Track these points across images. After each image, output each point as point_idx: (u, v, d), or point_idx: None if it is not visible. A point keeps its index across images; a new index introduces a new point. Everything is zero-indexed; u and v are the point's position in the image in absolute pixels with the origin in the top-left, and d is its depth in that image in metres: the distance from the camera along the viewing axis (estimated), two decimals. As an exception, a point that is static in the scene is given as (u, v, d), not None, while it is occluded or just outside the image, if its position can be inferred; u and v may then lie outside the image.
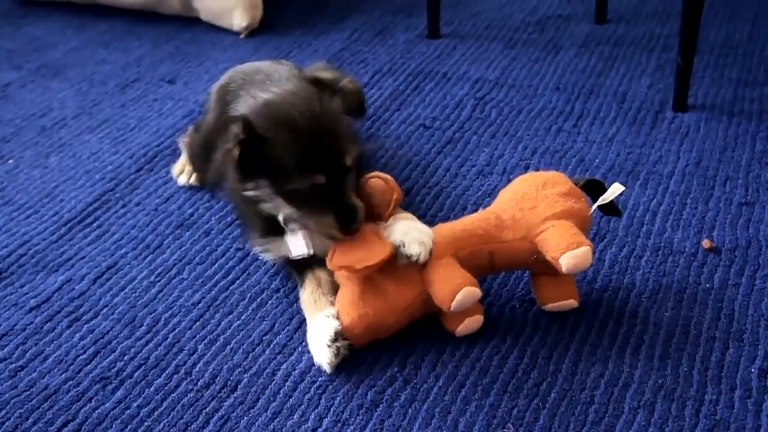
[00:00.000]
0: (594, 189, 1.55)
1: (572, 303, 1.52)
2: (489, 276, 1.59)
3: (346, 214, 1.45)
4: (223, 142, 1.42)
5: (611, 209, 1.56)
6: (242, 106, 1.51)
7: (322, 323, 1.45)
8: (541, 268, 1.49)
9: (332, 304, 1.49)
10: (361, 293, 1.45)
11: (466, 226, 1.52)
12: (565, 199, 1.50)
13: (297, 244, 1.53)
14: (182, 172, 1.96)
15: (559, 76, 2.35)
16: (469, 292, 1.40)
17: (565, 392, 1.38)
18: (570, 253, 1.40)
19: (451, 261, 1.45)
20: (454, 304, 1.40)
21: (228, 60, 2.44)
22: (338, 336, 1.43)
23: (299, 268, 1.56)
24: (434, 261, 1.45)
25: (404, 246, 1.44)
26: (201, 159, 1.65)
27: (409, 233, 1.46)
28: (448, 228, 1.52)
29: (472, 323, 1.48)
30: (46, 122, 2.23)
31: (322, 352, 1.43)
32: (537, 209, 1.49)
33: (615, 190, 1.51)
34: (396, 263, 1.45)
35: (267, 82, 1.61)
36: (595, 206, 1.53)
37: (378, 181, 1.58)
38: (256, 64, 1.84)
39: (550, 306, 1.52)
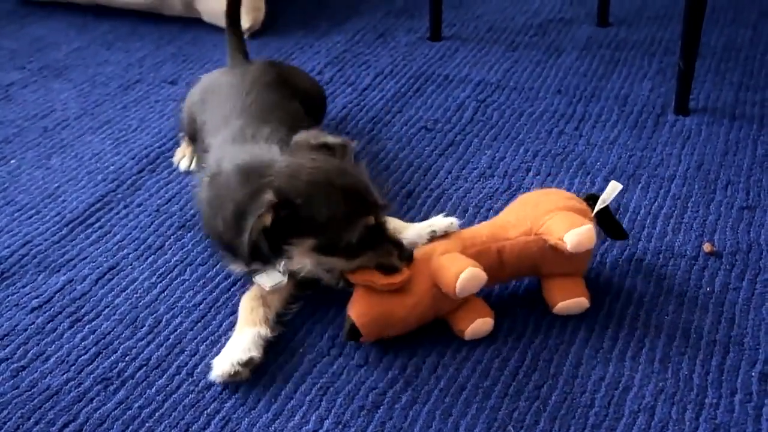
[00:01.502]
0: (603, 218, 1.58)
1: (583, 301, 1.53)
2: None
3: (399, 249, 1.47)
4: (253, 211, 1.41)
5: (618, 232, 1.59)
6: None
7: (248, 341, 1.45)
8: (549, 267, 1.51)
9: (266, 320, 1.50)
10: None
11: (472, 231, 1.55)
12: (567, 200, 1.56)
13: (272, 277, 1.53)
14: (183, 157, 2.00)
15: (560, 79, 2.36)
16: (473, 273, 1.42)
17: (565, 395, 1.38)
18: (574, 230, 1.44)
19: (457, 253, 1.48)
20: (458, 285, 1.41)
21: (230, 61, 2.44)
22: (249, 363, 1.42)
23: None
24: (441, 255, 1.48)
25: (431, 227, 1.54)
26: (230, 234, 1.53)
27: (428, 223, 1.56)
28: (453, 233, 1.55)
29: (481, 325, 1.48)
30: (48, 123, 2.23)
31: (225, 364, 1.42)
32: (540, 206, 1.54)
33: (614, 188, 1.52)
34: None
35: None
36: (598, 208, 1.54)
37: None
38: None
39: (561, 305, 1.52)
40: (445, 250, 1.49)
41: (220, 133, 1.70)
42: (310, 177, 1.43)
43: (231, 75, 1.93)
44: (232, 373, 1.41)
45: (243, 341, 1.45)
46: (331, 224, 1.42)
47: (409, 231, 1.58)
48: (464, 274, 1.41)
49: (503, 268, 1.52)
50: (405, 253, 1.47)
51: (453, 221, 1.57)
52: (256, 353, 1.44)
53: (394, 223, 1.59)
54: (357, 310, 1.45)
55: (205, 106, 1.85)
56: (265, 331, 1.48)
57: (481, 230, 1.56)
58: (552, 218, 1.50)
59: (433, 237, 1.55)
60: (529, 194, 1.65)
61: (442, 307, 1.47)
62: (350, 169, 1.49)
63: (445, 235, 1.55)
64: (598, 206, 1.54)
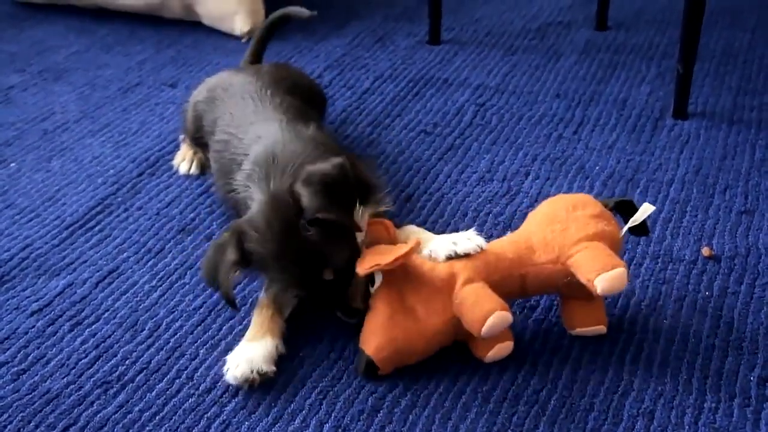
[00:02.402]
0: (624, 209, 1.52)
1: (601, 329, 1.49)
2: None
3: (347, 314, 1.49)
4: (217, 246, 1.46)
5: (640, 229, 1.52)
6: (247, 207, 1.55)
7: (269, 351, 1.45)
8: (572, 291, 1.46)
9: (282, 333, 1.50)
10: (391, 315, 1.42)
11: (496, 250, 1.48)
12: (597, 221, 1.46)
13: None
14: (183, 160, 2.01)
15: (559, 83, 2.36)
16: (500, 316, 1.37)
17: (564, 399, 1.38)
18: (605, 275, 1.37)
19: (481, 285, 1.42)
20: (484, 329, 1.36)
21: (229, 64, 2.44)
22: (266, 375, 1.42)
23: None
24: (465, 285, 1.42)
25: (455, 245, 1.47)
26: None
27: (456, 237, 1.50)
28: (478, 253, 1.48)
29: (502, 350, 1.44)
30: (48, 126, 2.23)
31: (245, 368, 1.41)
32: (568, 231, 1.45)
33: (645, 210, 1.47)
34: (427, 288, 1.43)
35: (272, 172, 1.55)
36: (626, 228, 1.49)
37: (378, 228, 1.58)
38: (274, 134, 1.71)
39: (579, 331, 1.49)
40: (468, 277, 1.42)
41: (252, 130, 1.70)
42: (258, 232, 1.45)
43: (244, 75, 1.94)
44: (250, 379, 1.41)
45: (264, 350, 1.45)
46: (271, 275, 1.50)
47: (433, 244, 1.50)
48: (491, 320, 1.36)
49: (524, 291, 1.49)
50: (351, 318, 1.48)
51: (479, 244, 1.48)
52: (273, 367, 1.44)
53: (420, 234, 1.56)
54: (372, 345, 1.42)
55: (215, 105, 1.87)
56: (281, 346, 1.48)
57: (506, 251, 1.47)
58: (582, 252, 1.42)
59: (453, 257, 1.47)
60: (555, 206, 1.51)
61: (462, 333, 1.43)
62: (299, 237, 1.44)
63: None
64: (629, 225, 1.49)
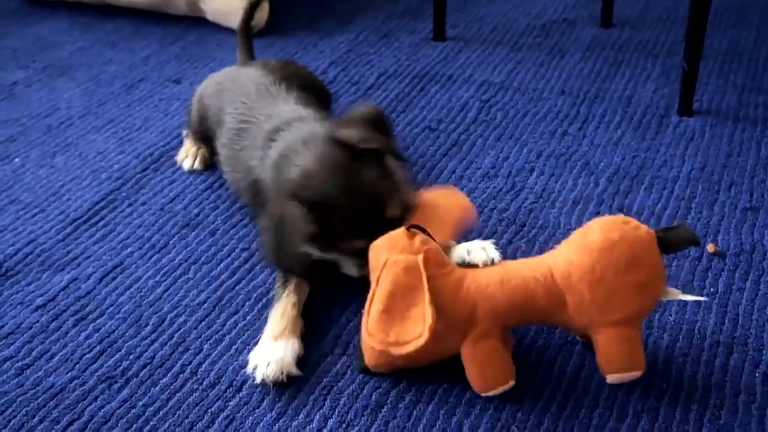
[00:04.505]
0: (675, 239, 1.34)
1: (637, 374, 1.35)
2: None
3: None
4: (284, 222, 1.44)
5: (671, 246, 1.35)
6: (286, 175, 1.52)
7: (296, 353, 1.44)
8: None
9: (300, 333, 1.48)
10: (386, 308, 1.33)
11: (526, 293, 1.32)
12: (644, 291, 1.31)
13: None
14: (186, 156, 2.01)
15: (564, 80, 2.36)
16: (504, 388, 1.35)
17: (568, 396, 1.38)
18: (621, 375, 1.33)
19: (496, 347, 1.33)
20: (484, 393, 1.35)
21: (234, 60, 2.43)
22: (292, 377, 1.42)
23: (286, 272, 1.56)
24: (478, 342, 1.33)
25: (468, 254, 1.41)
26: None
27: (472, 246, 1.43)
28: (498, 289, 1.33)
29: (503, 389, 1.37)
30: (52, 122, 2.23)
31: (275, 370, 1.40)
32: (609, 304, 1.29)
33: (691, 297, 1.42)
34: (444, 316, 1.31)
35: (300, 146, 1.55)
36: (677, 297, 1.39)
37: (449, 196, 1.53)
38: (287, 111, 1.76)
39: (613, 377, 1.35)
40: (486, 330, 1.32)
41: (275, 116, 1.72)
42: (319, 189, 1.45)
43: (254, 69, 1.94)
44: (278, 381, 1.40)
45: (293, 351, 1.44)
46: (331, 234, 1.46)
47: (455, 248, 1.45)
48: (494, 391, 1.34)
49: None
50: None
51: (492, 257, 1.39)
52: (299, 370, 1.43)
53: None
54: (372, 360, 1.40)
55: (222, 96, 1.88)
56: (302, 347, 1.47)
57: (538, 296, 1.32)
58: (611, 339, 1.31)
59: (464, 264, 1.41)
60: (604, 257, 1.29)
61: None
62: (362, 184, 1.44)
63: (487, 288, 1.34)
64: (681, 297, 1.39)
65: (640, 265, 1.30)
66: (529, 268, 1.35)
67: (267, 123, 1.70)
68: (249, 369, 1.43)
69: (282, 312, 1.50)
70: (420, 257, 1.32)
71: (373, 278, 1.35)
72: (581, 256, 1.31)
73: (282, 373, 1.40)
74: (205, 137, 1.94)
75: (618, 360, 1.33)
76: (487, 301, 1.33)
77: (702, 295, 1.56)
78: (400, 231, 1.37)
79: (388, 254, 1.34)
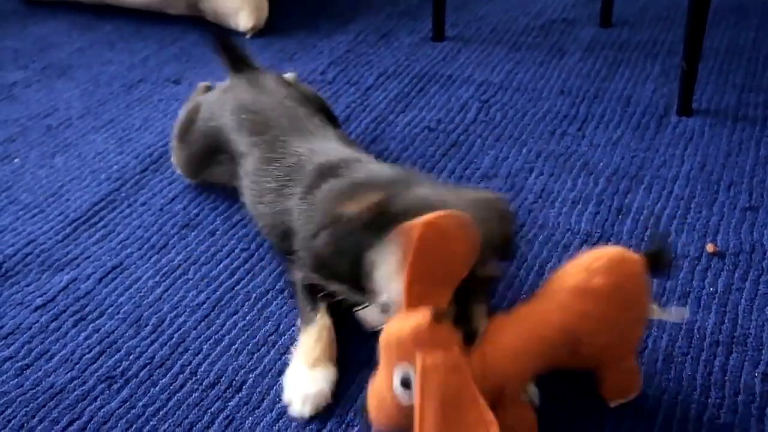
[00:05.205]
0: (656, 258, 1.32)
1: (635, 394, 1.37)
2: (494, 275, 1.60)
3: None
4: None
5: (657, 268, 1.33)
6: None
7: (332, 381, 1.40)
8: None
9: (336, 358, 1.43)
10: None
11: (542, 353, 1.28)
12: (640, 324, 1.34)
13: (373, 316, 1.43)
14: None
15: (563, 80, 2.36)
16: None
17: (567, 394, 1.38)
18: (620, 399, 1.35)
19: (524, 407, 1.29)
20: None
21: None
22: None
23: (313, 295, 1.49)
24: (510, 406, 1.26)
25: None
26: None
27: None
28: (520, 358, 1.27)
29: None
30: (51, 122, 2.23)
31: (320, 400, 1.36)
32: (619, 345, 1.31)
33: (676, 315, 1.42)
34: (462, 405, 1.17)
35: None
36: (658, 315, 1.42)
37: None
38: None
39: (615, 402, 1.36)
40: (512, 397, 1.26)
41: (317, 150, 1.62)
42: None
43: (268, 96, 1.81)
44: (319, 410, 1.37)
45: (331, 382, 1.39)
46: None
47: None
48: None
49: None
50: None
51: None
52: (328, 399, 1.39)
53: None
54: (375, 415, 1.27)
55: (245, 131, 1.73)
56: (334, 373, 1.42)
57: (553, 359, 1.28)
58: (613, 369, 1.33)
59: None
60: (611, 303, 1.27)
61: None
62: None
63: (510, 358, 1.26)
64: (660, 316, 1.44)
65: (639, 301, 1.31)
66: (541, 326, 1.28)
67: (312, 159, 1.59)
68: (284, 399, 1.38)
69: (317, 336, 1.43)
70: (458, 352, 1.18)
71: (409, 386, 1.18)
72: (591, 305, 1.27)
73: (319, 408, 1.36)
74: (207, 157, 1.85)
75: (622, 389, 1.35)
76: (512, 366, 1.26)
77: (701, 296, 1.56)
78: (426, 319, 1.16)
79: (418, 349, 1.16)
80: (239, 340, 1.51)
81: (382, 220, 1.29)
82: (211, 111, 1.84)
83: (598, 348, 1.29)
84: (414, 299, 1.19)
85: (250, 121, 1.74)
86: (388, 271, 1.25)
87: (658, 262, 1.32)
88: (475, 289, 1.28)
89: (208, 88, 2.03)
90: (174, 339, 1.52)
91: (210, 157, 1.84)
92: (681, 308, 1.46)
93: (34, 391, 1.42)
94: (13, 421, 1.36)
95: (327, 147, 1.64)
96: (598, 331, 1.27)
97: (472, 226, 1.20)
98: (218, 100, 1.86)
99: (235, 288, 1.63)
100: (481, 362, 1.23)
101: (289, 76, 2.11)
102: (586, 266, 1.29)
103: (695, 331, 1.50)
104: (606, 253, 1.31)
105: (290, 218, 1.54)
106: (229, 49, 1.99)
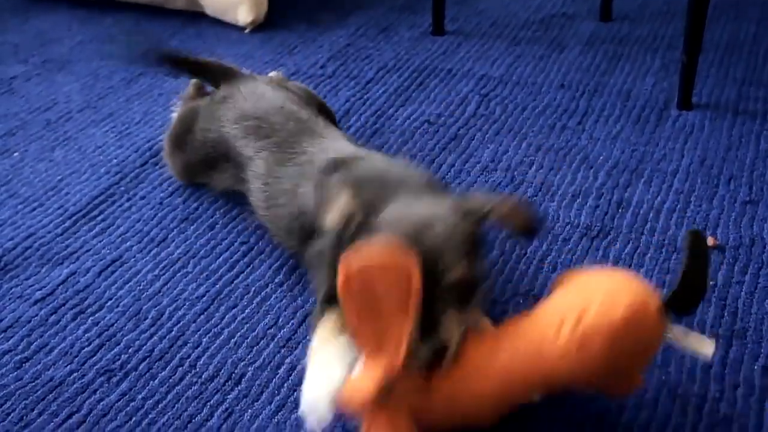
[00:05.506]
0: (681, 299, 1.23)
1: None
2: (492, 270, 1.60)
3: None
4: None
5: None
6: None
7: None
8: None
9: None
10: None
11: (523, 398, 1.27)
12: (655, 349, 1.25)
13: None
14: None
15: (563, 74, 2.36)
16: None
17: (566, 389, 1.38)
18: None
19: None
20: None
21: (233, 55, 2.44)
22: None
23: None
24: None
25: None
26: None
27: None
28: (493, 404, 1.25)
29: None
30: (51, 116, 2.23)
31: (327, 420, 1.28)
32: (627, 376, 1.24)
33: (702, 346, 1.25)
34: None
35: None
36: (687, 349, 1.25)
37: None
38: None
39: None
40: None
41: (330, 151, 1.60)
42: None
43: (271, 104, 1.77)
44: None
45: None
46: None
47: None
48: None
49: None
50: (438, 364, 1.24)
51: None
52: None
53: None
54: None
55: (250, 137, 1.71)
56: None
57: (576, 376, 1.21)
58: (618, 386, 1.27)
59: None
60: (625, 331, 1.15)
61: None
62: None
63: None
64: (688, 349, 1.28)
65: (651, 350, 1.24)
66: (530, 370, 1.22)
67: (319, 156, 1.58)
68: (300, 410, 1.32)
69: (331, 342, 1.37)
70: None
71: None
72: (597, 361, 1.17)
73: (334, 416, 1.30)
74: (206, 165, 1.84)
75: (624, 393, 1.31)
76: (483, 413, 1.25)
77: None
78: (371, 391, 1.16)
79: (365, 415, 1.22)
80: (238, 333, 1.51)
81: (355, 233, 1.29)
82: (209, 122, 1.81)
83: (604, 377, 1.21)
84: (368, 339, 1.18)
85: (255, 127, 1.72)
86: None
87: (681, 305, 1.21)
88: (443, 297, 1.22)
89: (199, 87, 2.01)
90: (173, 332, 1.52)
91: (210, 165, 1.83)
92: (709, 339, 1.23)
93: (33, 384, 1.42)
94: (12, 414, 1.36)
95: (337, 146, 1.64)
96: (597, 377, 1.20)
97: (404, 250, 1.18)
98: (216, 111, 1.81)
99: (234, 281, 1.63)
100: (448, 400, 1.22)
101: (273, 74, 2.09)
102: (598, 311, 1.16)
103: (695, 324, 1.49)
104: (622, 300, 1.17)
105: (305, 218, 1.52)
106: (198, 64, 1.95)
